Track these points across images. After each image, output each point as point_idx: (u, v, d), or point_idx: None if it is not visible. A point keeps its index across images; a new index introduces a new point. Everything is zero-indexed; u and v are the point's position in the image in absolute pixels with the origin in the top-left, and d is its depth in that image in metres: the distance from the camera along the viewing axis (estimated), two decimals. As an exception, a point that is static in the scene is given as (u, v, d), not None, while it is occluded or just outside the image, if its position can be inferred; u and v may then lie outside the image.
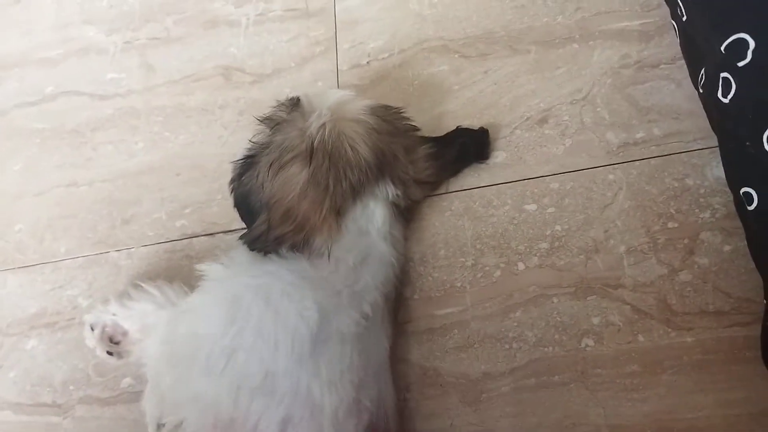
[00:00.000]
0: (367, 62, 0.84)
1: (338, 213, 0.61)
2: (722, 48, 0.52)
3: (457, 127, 0.73)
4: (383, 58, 0.84)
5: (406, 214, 0.69)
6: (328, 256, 0.59)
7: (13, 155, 0.93)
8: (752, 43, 0.49)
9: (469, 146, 0.72)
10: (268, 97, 0.86)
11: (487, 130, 0.73)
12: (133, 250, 0.82)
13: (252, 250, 0.62)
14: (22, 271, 0.85)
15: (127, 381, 0.75)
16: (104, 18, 1.00)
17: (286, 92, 0.86)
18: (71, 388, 0.76)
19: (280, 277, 0.58)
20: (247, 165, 0.63)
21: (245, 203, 0.64)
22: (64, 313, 0.81)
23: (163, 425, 0.60)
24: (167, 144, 0.87)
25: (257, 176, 0.61)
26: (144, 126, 0.89)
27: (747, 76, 0.50)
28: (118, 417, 0.74)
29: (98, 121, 0.92)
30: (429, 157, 0.67)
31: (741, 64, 0.50)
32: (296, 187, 0.59)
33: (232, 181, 0.66)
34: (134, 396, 0.74)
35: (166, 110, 0.89)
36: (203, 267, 0.61)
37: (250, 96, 0.87)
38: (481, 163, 0.73)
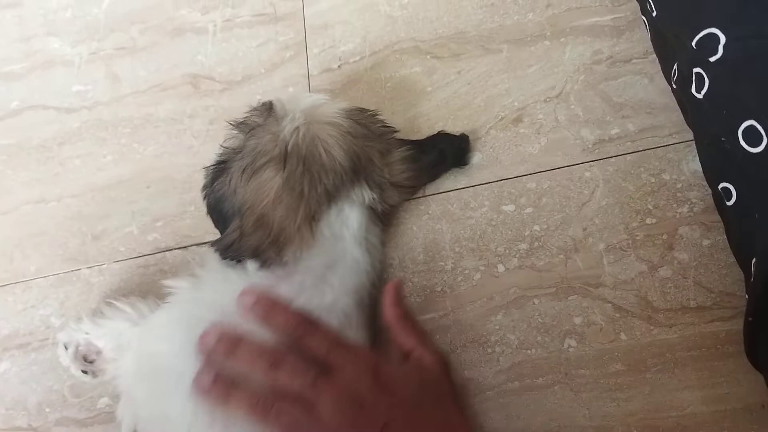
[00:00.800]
0: (339, 66, 0.82)
1: (313, 219, 0.58)
2: (693, 43, 0.50)
3: (439, 132, 0.71)
4: (354, 62, 0.81)
5: (384, 218, 0.67)
6: (294, 266, 0.57)
7: (-22, 173, 0.89)
8: (723, 38, 0.47)
9: (447, 152, 0.69)
10: (239, 104, 0.83)
11: (467, 137, 0.71)
12: (105, 266, 0.78)
13: (224, 258, 0.59)
14: (-9, 291, 0.81)
15: (104, 401, 0.71)
16: (68, 29, 0.96)
17: (257, 99, 0.82)
18: (47, 410, 0.72)
19: (232, 294, 0.55)
20: (219, 170, 0.61)
21: (218, 210, 0.61)
22: (37, 334, 0.77)
23: None
24: (136, 156, 0.83)
25: (229, 182, 0.59)
26: (112, 138, 0.85)
27: (719, 72, 0.48)
28: (97, 438, 0.70)
29: (65, 135, 0.88)
30: (405, 160, 0.65)
31: (713, 59, 0.48)
32: (270, 192, 0.57)
33: (205, 187, 0.64)
34: (111, 416, 0.70)
35: (134, 121, 0.86)
36: (169, 283, 0.59)
37: (220, 104, 0.84)
38: (460, 168, 0.71)
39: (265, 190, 0.57)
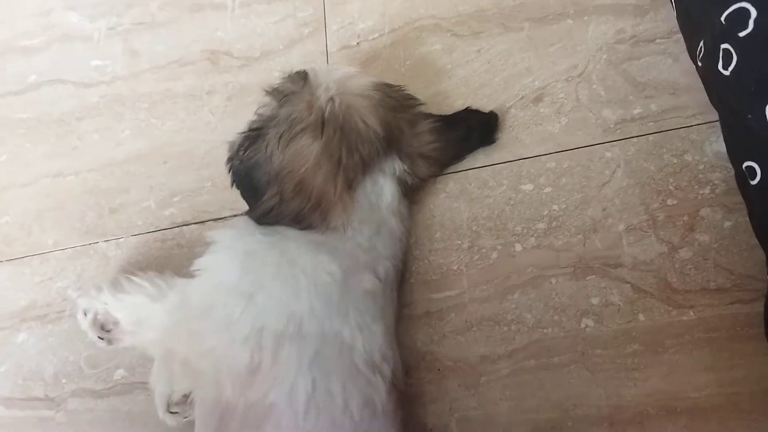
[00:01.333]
0: (357, 43, 0.81)
1: (350, 187, 0.59)
2: (722, 18, 0.49)
3: (467, 108, 0.71)
4: (373, 39, 0.80)
5: (410, 193, 0.67)
6: (345, 230, 0.58)
7: (-2, 146, 0.89)
8: (754, 12, 0.46)
9: (475, 128, 0.69)
10: (258, 80, 0.83)
11: (496, 114, 0.70)
12: (122, 240, 0.78)
13: (261, 224, 0.59)
14: (10, 263, 0.81)
15: (120, 373, 0.72)
16: (87, 3, 0.95)
17: (275, 75, 0.81)
18: (63, 381, 0.73)
19: (295, 237, 0.57)
20: (253, 138, 0.60)
21: (248, 178, 0.61)
22: (54, 305, 0.77)
23: (174, 403, 0.58)
24: (154, 131, 0.83)
25: (266, 148, 0.58)
26: (130, 113, 0.85)
27: (749, 47, 0.47)
28: (112, 409, 0.71)
29: (83, 110, 0.87)
30: (433, 131, 0.65)
31: (742, 34, 0.47)
32: (309, 158, 0.57)
33: (230, 158, 0.63)
34: (127, 388, 0.71)
35: (153, 97, 0.85)
36: (212, 233, 0.59)
37: (239, 80, 0.83)
38: (487, 146, 0.70)
39: (304, 156, 0.57)
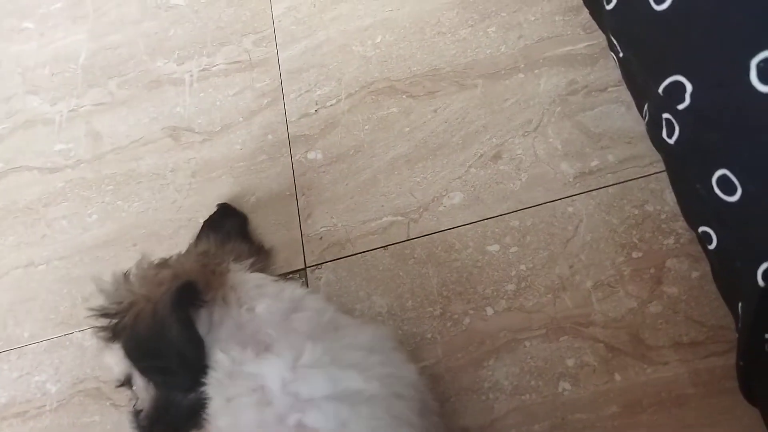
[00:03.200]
0: (316, 110, 0.80)
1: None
2: (660, 90, 0.48)
3: (203, 223, 0.74)
4: (331, 105, 0.79)
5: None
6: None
7: (-33, 239, 0.87)
8: (689, 86, 0.44)
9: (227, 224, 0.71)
10: (220, 155, 0.82)
11: (224, 203, 0.75)
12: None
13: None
14: (-14, 359, 0.79)
15: (102, 467, 0.70)
16: (47, 86, 0.94)
17: (237, 148, 0.81)
18: (47, 479, 0.71)
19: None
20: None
21: (139, 339, 0.54)
22: (34, 401, 0.75)
23: None
24: (121, 214, 0.81)
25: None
26: (96, 196, 0.84)
27: (688, 120, 0.46)
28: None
29: (50, 196, 0.86)
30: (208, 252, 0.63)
31: (680, 107, 0.46)
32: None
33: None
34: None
35: (117, 178, 0.84)
36: None
37: (201, 156, 0.82)
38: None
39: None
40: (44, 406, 0.74)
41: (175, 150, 0.83)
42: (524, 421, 0.60)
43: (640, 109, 0.58)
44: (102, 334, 0.55)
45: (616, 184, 0.65)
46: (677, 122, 0.47)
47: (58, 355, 0.76)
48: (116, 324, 0.54)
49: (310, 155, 0.78)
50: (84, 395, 0.73)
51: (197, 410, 0.53)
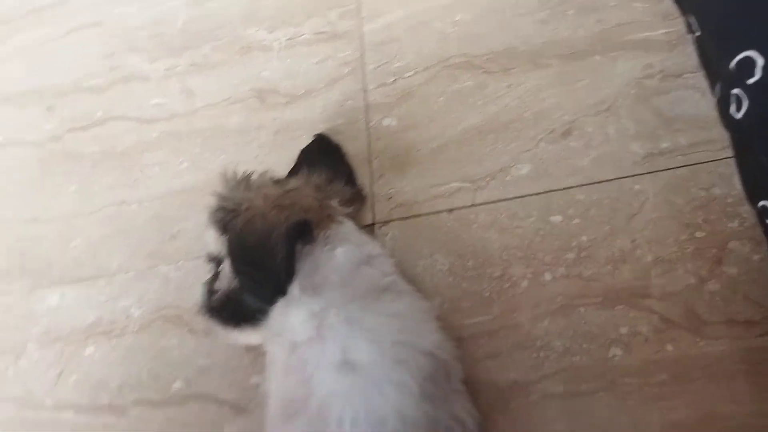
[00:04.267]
0: (393, 81, 0.85)
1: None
2: (731, 66, 0.51)
3: (300, 152, 0.78)
4: (408, 77, 0.85)
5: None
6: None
7: (69, 177, 0.97)
8: (760, 61, 0.47)
9: (327, 158, 0.75)
10: (302, 116, 0.89)
11: (320, 134, 0.78)
12: (181, 263, 0.85)
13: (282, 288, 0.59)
14: (79, 284, 0.89)
15: (177, 385, 0.77)
16: (146, 47, 1.04)
17: (318, 112, 0.88)
18: (126, 391, 0.79)
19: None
20: (228, 219, 0.63)
21: (245, 247, 0.61)
22: (118, 323, 0.84)
23: None
24: (208, 164, 0.90)
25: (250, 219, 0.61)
26: (187, 147, 0.92)
27: (757, 94, 0.48)
28: (169, 418, 0.76)
29: (145, 144, 0.95)
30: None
31: (750, 81, 0.48)
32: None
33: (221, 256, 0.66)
34: (184, 399, 0.76)
35: (206, 132, 0.92)
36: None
37: (284, 117, 0.89)
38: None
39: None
40: (127, 327, 0.83)
41: (261, 110, 0.91)
42: (572, 380, 0.63)
43: (713, 89, 0.60)
44: (213, 217, 0.63)
45: (686, 166, 0.68)
46: (747, 96, 0.49)
47: (143, 284, 0.85)
48: (228, 221, 0.61)
49: (385, 122, 0.83)
50: (164, 321, 0.82)
51: (259, 317, 0.61)
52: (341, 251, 0.62)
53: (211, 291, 0.67)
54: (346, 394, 0.53)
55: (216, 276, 0.67)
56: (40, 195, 0.98)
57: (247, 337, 0.66)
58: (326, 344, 0.56)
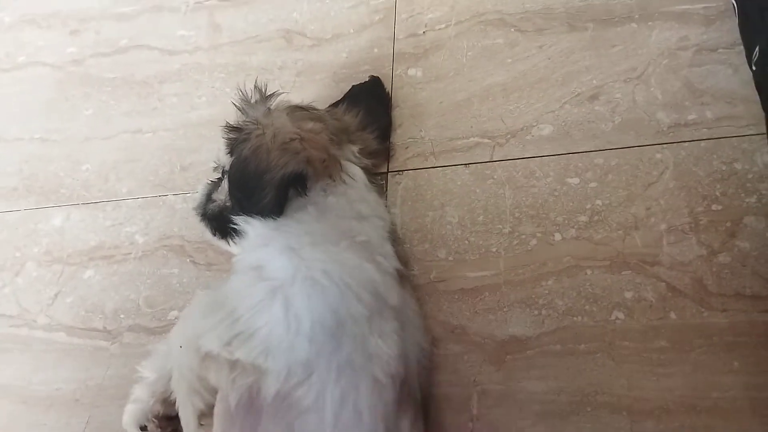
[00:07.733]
0: (424, 32, 0.88)
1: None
2: None
3: (352, 86, 0.81)
4: (439, 29, 0.87)
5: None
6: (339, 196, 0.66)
7: (86, 101, 1.01)
8: None
9: (373, 103, 0.78)
10: (326, 60, 0.91)
11: (377, 77, 0.81)
12: (189, 195, 0.88)
13: (266, 215, 0.63)
14: (86, 206, 0.93)
15: (174, 314, 0.81)
16: (178, -22, 1.07)
17: (343, 56, 0.90)
18: (121, 316, 0.83)
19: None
20: (241, 140, 0.66)
21: (242, 175, 0.64)
22: (121, 248, 0.88)
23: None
24: (227, 99, 0.92)
25: (257, 145, 0.63)
26: (207, 81, 0.96)
27: None
28: (163, 347, 0.80)
29: (166, 74, 0.99)
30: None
31: None
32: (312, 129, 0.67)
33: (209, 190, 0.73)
34: (179, 329, 0.80)
35: (228, 68, 0.95)
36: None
37: (309, 59, 0.92)
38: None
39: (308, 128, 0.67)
40: (130, 254, 0.87)
41: (286, 50, 0.94)
42: (571, 339, 0.66)
43: (750, 55, 0.62)
44: (226, 134, 0.68)
45: (710, 139, 0.70)
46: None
47: (150, 212, 0.89)
48: (237, 144, 0.64)
49: (411, 72, 0.86)
50: (167, 249, 0.85)
51: (241, 236, 0.66)
52: (333, 200, 0.66)
53: (209, 197, 0.72)
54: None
55: (218, 185, 0.72)
56: (55, 116, 1.02)
57: (228, 247, 0.71)
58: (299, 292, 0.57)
